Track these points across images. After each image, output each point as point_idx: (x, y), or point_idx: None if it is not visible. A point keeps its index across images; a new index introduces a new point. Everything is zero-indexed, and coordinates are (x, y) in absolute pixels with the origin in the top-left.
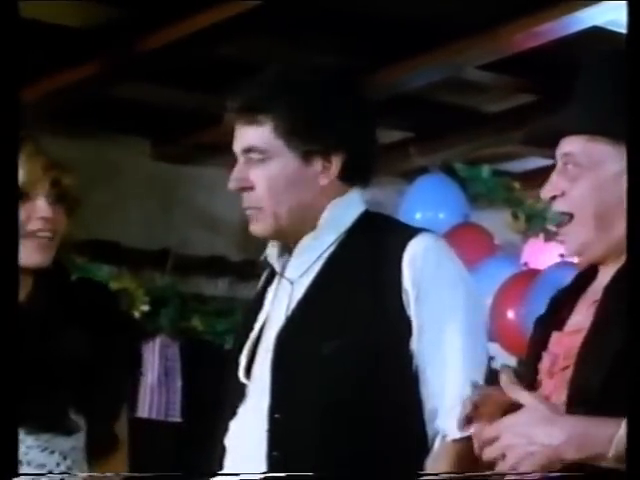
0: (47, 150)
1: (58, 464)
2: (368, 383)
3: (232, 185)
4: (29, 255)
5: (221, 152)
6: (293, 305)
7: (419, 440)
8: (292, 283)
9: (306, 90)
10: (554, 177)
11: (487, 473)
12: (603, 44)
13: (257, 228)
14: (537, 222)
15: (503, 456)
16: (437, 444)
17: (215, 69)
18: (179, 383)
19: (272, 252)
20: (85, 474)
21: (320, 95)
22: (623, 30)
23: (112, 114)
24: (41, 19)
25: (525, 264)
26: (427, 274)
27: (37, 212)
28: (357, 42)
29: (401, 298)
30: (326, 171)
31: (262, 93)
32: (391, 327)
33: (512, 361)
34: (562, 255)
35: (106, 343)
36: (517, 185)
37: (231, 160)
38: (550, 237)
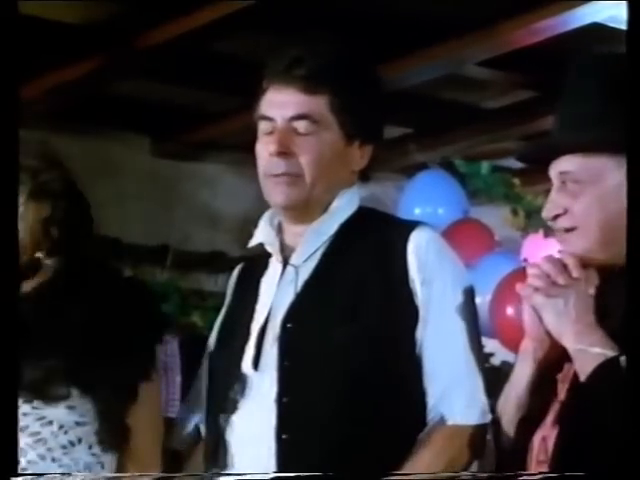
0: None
1: (55, 435)
2: (375, 368)
3: (273, 148)
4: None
5: (221, 149)
6: (299, 291)
7: (421, 427)
8: (297, 269)
9: (365, 72)
10: (554, 196)
11: (484, 473)
12: (603, 41)
13: (287, 194)
14: (537, 218)
15: (531, 288)
16: (432, 424)
17: (215, 66)
18: (179, 379)
19: (269, 239)
20: (84, 474)
21: (374, 81)
22: (623, 27)
23: (112, 111)
24: (40, 16)
25: (525, 260)
26: (431, 262)
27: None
28: (356, 39)
29: (409, 286)
30: (359, 158)
31: (327, 63)
32: (399, 314)
33: (511, 357)
34: (561, 252)
35: (123, 329)
36: (517, 181)
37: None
38: (550, 233)
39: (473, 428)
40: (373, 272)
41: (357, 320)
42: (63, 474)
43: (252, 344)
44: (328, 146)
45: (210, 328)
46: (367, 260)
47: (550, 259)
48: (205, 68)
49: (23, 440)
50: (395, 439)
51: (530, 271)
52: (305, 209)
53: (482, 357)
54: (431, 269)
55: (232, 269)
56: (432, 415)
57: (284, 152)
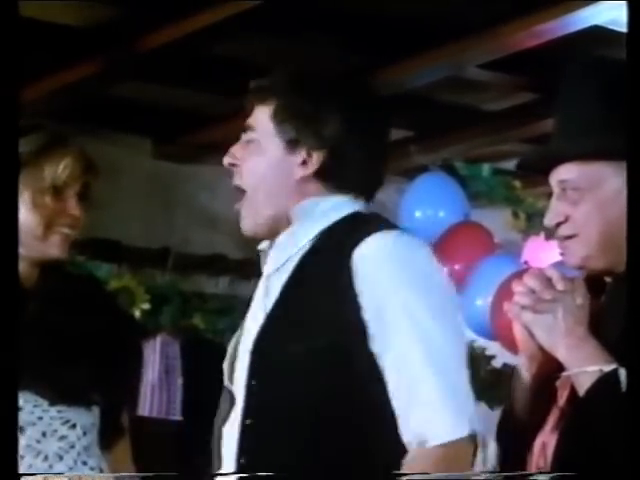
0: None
1: (79, 438)
2: (334, 387)
3: (225, 160)
4: (51, 248)
5: (221, 151)
6: (268, 305)
7: (392, 443)
8: (267, 282)
9: (309, 80)
10: (554, 204)
11: (480, 474)
12: (603, 44)
13: (243, 220)
14: (537, 221)
15: (518, 305)
16: (413, 449)
17: (215, 68)
18: (180, 381)
19: (264, 247)
20: (82, 474)
21: (320, 88)
22: (623, 29)
23: (112, 113)
24: (41, 18)
25: (525, 262)
26: (373, 273)
27: (68, 209)
28: (358, 41)
29: (356, 299)
30: (304, 165)
31: (277, 75)
32: (349, 330)
33: (513, 360)
34: (562, 254)
35: (111, 337)
36: (517, 184)
37: None
38: (551, 236)
39: (451, 444)
40: (329, 286)
41: (311, 338)
42: (59, 474)
43: (228, 356)
44: (264, 154)
45: (211, 330)
46: (327, 273)
47: (534, 274)
48: (206, 70)
49: (55, 445)
50: (362, 457)
51: (516, 289)
52: (266, 229)
53: (455, 367)
54: (374, 280)
55: (232, 271)
56: (407, 438)
57: (232, 163)
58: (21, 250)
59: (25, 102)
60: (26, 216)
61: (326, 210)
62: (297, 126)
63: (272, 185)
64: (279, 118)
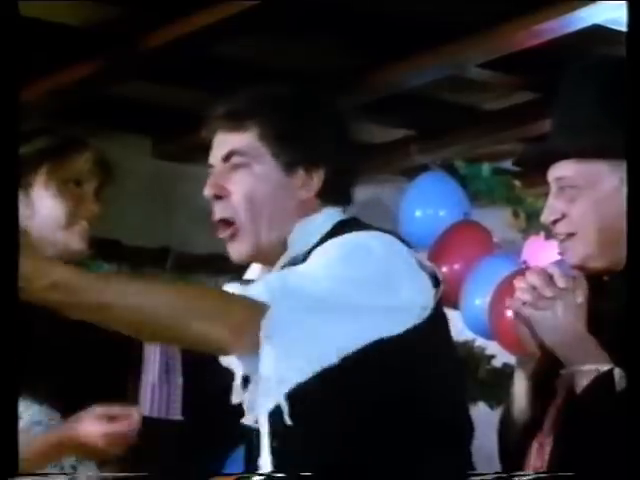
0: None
1: None
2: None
3: (208, 192)
4: (73, 240)
5: None
6: None
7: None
8: None
9: (293, 101)
10: (551, 201)
11: (482, 472)
12: (603, 43)
13: (235, 248)
14: (537, 220)
15: (519, 301)
16: None
17: (216, 68)
18: (180, 381)
19: (255, 277)
20: (83, 474)
21: (306, 107)
22: (623, 29)
23: (113, 113)
24: (41, 18)
25: (525, 262)
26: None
27: (87, 203)
28: (358, 40)
29: None
30: (306, 186)
31: (250, 98)
32: None
33: (512, 359)
34: (561, 254)
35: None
36: (517, 183)
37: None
38: (550, 235)
39: None
40: None
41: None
42: (61, 474)
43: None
44: (261, 179)
45: None
46: None
47: (536, 271)
48: (206, 70)
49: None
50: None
51: (518, 285)
52: (264, 256)
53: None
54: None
55: (232, 271)
56: None
57: (218, 194)
58: (44, 245)
59: (25, 102)
60: (51, 206)
61: (318, 224)
62: (293, 147)
63: (275, 210)
64: (273, 140)
